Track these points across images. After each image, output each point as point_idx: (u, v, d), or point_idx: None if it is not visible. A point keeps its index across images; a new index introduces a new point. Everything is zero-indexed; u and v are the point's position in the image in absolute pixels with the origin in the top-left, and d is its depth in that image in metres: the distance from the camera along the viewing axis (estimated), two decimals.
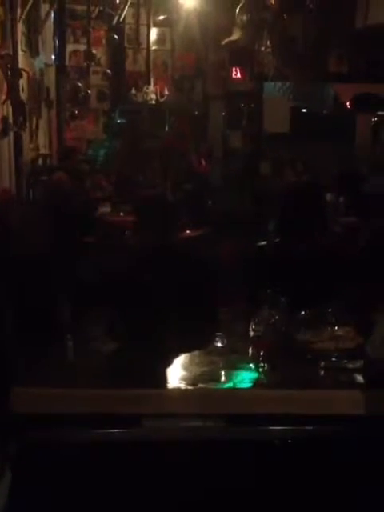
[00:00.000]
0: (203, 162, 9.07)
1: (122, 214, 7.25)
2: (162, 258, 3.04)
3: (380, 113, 10.04)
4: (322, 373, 2.68)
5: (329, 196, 6.68)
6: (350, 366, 2.67)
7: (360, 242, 3.86)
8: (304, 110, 10.00)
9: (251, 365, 2.71)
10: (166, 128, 9.84)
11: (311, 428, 2.51)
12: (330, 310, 2.87)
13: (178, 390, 2.59)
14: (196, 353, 2.81)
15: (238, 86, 9.63)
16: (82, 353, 2.93)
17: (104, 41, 9.38)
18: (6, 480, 2.16)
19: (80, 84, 9.11)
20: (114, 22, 8.97)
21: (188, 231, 5.04)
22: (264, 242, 3.65)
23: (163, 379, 2.63)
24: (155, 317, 2.86)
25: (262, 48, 8.19)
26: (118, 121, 9.90)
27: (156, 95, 9.35)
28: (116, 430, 2.49)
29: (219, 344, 2.84)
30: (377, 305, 2.56)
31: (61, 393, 2.51)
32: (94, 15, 9.03)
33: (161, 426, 2.49)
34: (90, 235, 5.48)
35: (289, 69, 8.11)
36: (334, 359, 2.70)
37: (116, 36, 9.34)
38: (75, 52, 9.28)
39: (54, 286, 2.91)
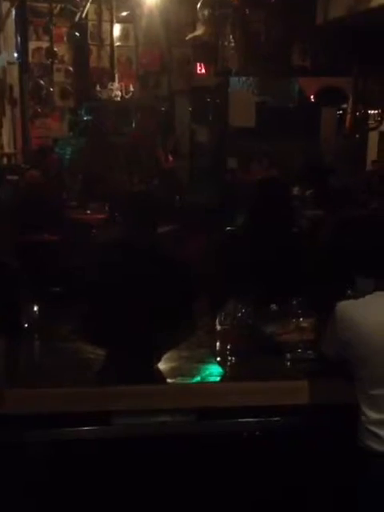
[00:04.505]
0: (170, 158, 9.07)
1: (88, 211, 7.24)
2: (132, 254, 3.02)
3: (344, 106, 10.13)
4: (288, 364, 2.71)
5: (296, 190, 6.73)
6: (315, 356, 2.70)
7: (324, 235, 3.90)
8: (269, 105, 10.04)
9: (219, 358, 2.73)
10: (132, 124, 9.80)
11: (278, 419, 2.54)
12: (294, 302, 2.90)
13: (147, 386, 2.60)
14: (165, 348, 2.82)
15: (202, 81, 9.63)
16: (49, 352, 2.93)
17: (66, 38, 9.31)
18: None
19: (42, 81, 9.03)
20: (77, 18, 8.92)
21: None
22: (230, 236, 3.68)
23: (132, 376, 2.63)
24: (124, 314, 2.86)
25: (226, 43, 8.21)
26: (84, 118, 9.84)
27: (121, 92, 9.31)
28: (85, 428, 2.50)
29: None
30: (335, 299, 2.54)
31: (28, 393, 2.51)
32: (56, 12, 8.96)
33: (130, 422, 2.50)
34: (57, 233, 5.46)
35: (252, 64, 8.15)
36: (299, 350, 2.74)
37: (78, 33, 9.28)
38: (38, 49, 9.19)
39: (20, 285, 2.89)
